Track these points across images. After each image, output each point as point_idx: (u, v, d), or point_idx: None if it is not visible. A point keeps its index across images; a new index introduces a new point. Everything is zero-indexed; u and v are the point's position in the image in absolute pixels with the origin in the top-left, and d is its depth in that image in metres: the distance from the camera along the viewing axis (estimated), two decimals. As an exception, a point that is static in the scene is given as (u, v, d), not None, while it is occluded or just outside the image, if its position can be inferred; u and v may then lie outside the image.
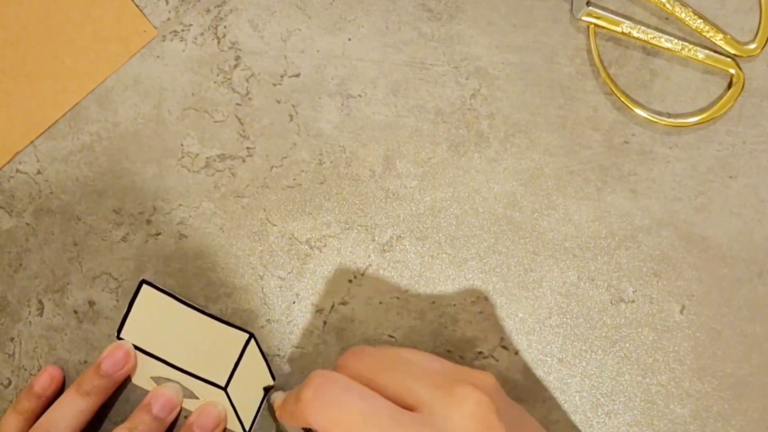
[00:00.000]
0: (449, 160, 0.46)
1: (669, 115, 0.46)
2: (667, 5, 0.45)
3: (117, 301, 0.46)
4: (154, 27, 0.45)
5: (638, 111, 0.46)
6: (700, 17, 0.45)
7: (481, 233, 0.46)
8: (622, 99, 0.45)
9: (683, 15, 0.45)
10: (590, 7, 0.45)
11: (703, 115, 0.46)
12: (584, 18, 0.45)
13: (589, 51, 0.46)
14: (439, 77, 0.46)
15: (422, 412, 0.37)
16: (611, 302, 0.46)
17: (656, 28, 0.46)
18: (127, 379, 0.46)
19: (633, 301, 0.46)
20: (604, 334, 0.46)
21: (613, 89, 0.45)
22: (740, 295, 0.46)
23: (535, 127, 0.46)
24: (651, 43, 0.45)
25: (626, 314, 0.46)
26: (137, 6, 0.45)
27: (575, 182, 0.46)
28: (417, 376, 0.38)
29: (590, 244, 0.46)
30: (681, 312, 0.46)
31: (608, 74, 0.46)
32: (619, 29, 0.45)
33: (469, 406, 0.37)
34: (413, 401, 0.37)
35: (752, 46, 0.46)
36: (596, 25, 0.45)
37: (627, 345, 0.46)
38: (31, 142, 0.45)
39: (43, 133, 0.45)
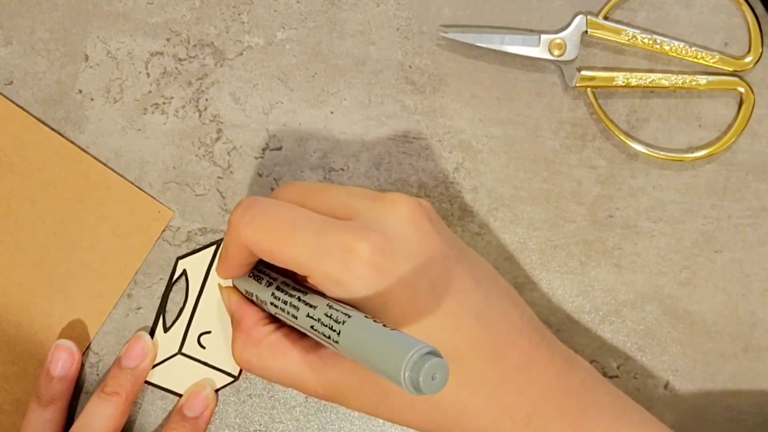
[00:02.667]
0: None
1: (690, 149, 0.46)
2: (655, 45, 0.45)
3: (97, 375, 0.46)
4: (168, 207, 0.46)
5: (657, 153, 0.46)
6: (690, 44, 0.45)
7: (464, 308, 0.46)
8: (632, 146, 0.45)
9: (672, 48, 0.45)
10: (582, 72, 0.45)
11: (728, 135, 0.45)
12: (579, 84, 0.45)
13: (592, 113, 0.46)
14: (422, 150, 0.46)
15: (355, 219, 0.37)
16: (595, 377, 0.46)
17: (649, 70, 0.46)
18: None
19: (617, 376, 0.46)
20: (588, 410, 0.46)
21: (624, 138, 0.46)
22: (725, 370, 0.46)
23: (518, 200, 0.46)
24: (650, 86, 0.45)
25: (610, 389, 0.46)
26: (147, 193, 0.46)
27: (559, 256, 0.46)
28: (349, 192, 0.39)
29: (574, 318, 0.46)
30: (665, 387, 0.46)
31: (620, 129, 0.46)
32: (615, 83, 0.45)
33: (401, 208, 0.37)
34: (347, 214, 0.38)
35: (748, 59, 0.46)
36: (593, 87, 0.45)
37: (611, 421, 0.45)
38: (82, 355, 0.46)
39: (89, 345, 0.46)
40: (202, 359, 0.46)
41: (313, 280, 0.37)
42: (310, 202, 0.39)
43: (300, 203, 0.39)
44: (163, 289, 0.46)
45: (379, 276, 0.36)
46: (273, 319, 0.41)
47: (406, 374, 0.30)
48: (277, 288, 0.40)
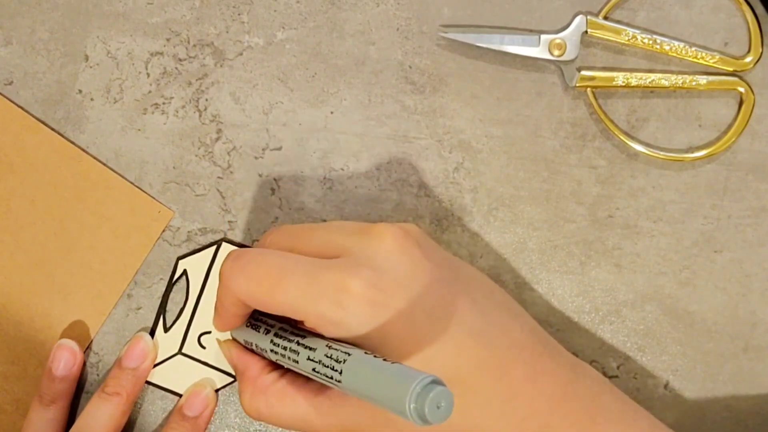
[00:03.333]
0: (432, 234, 0.46)
1: (690, 149, 0.46)
2: (655, 45, 0.45)
3: (98, 375, 0.46)
4: (168, 207, 0.46)
5: (659, 153, 0.46)
6: (690, 44, 0.45)
7: (464, 308, 0.46)
8: (631, 145, 0.45)
9: (672, 48, 0.45)
10: (582, 72, 0.45)
11: (728, 135, 0.45)
12: (579, 84, 0.45)
13: (592, 113, 0.46)
14: (422, 150, 0.46)
15: (344, 257, 0.37)
16: (595, 377, 0.46)
17: (649, 70, 0.46)
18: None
19: (617, 377, 0.46)
20: (587, 410, 0.45)
21: (624, 139, 0.46)
22: (725, 370, 0.46)
23: (518, 200, 0.46)
24: (650, 87, 0.45)
25: (610, 389, 0.46)
26: (147, 193, 0.46)
27: (559, 256, 0.46)
28: (336, 230, 0.39)
29: (574, 318, 0.46)
30: (665, 387, 0.46)
31: (620, 129, 0.46)
32: (615, 83, 0.45)
33: (388, 240, 0.37)
34: (335, 252, 0.38)
35: (748, 59, 0.46)
36: (593, 87, 0.45)
37: (611, 421, 0.45)
38: (84, 353, 0.46)
39: (89, 345, 0.46)
40: (203, 359, 0.46)
41: (309, 324, 0.37)
42: (298, 245, 0.39)
43: (288, 247, 0.39)
44: (163, 289, 0.46)
45: (374, 311, 0.36)
46: (276, 367, 0.41)
47: (411, 406, 0.30)
48: (276, 335, 0.40)
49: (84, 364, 0.45)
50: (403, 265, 0.37)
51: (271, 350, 0.40)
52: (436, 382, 0.30)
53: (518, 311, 0.41)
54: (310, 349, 0.37)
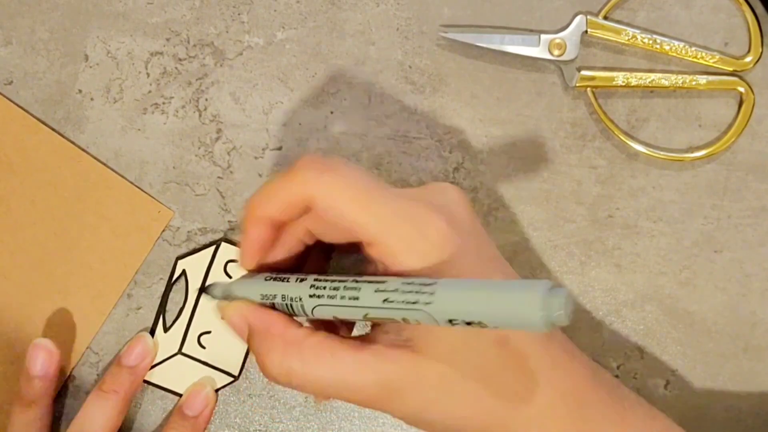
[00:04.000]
0: None
1: (690, 149, 0.46)
2: (655, 45, 0.45)
3: (97, 375, 0.46)
4: (168, 207, 0.46)
5: (660, 154, 0.46)
6: (690, 44, 0.45)
7: (464, 308, 0.46)
8: (632, 145, 0.45)
9: (672, 48, 0.45)
10: (582, 72, 0.45)
11: (728, 135, 0.46)
12: (579, 84, 0.45)
13: (592, 113, 0.46)
14: (422, 150, 0.46)
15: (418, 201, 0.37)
16: (595, 377, 0.46)
17: (649, 70, 0.46)
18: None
19: (617, 377, 0.46)
20: (587, 410, 0.45)
21: (624, 139, 0.46)
22: (725, 370, 0.46)
23: (518, 200, 0.46)
24: (651, 86, 0.45)
25: (610, 389, 0.45)
26: (147, 193, 0.46)
27: (559, 257, 0.46)
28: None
29: (573, 318, 0.45)
30: (665, 387, 0.46)
31: (621, 129, 0.46)
32: (615, 83, 0.45)
33: (452, 192, 0.38)
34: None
35: (748, 59, 0.46)
36: (593, 87, 0.45)
37: (611, 421, 0.45)
38: (82, 355, 0.46)
39: (88, 346, 0.46)
40: (203, 359, 0.46)
41: (380, 248, 0.35)
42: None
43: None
44: (163, 289, 0.46)
45: (452, 246, 0.35)
46: (300, 324, 0.38)
47: (540, 314, 0.29)
48: (316, 279, 0.37)
49: (62, 372, 0.45)
50: (466, 215, 0.38)
51: (311, 296, 0.36)
52: (555, 286, 0.30)
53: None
54: (377, 282, 0.34)
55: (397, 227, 0.35)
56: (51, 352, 0.44)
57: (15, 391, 0.45)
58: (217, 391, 0.46)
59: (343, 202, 0.35)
